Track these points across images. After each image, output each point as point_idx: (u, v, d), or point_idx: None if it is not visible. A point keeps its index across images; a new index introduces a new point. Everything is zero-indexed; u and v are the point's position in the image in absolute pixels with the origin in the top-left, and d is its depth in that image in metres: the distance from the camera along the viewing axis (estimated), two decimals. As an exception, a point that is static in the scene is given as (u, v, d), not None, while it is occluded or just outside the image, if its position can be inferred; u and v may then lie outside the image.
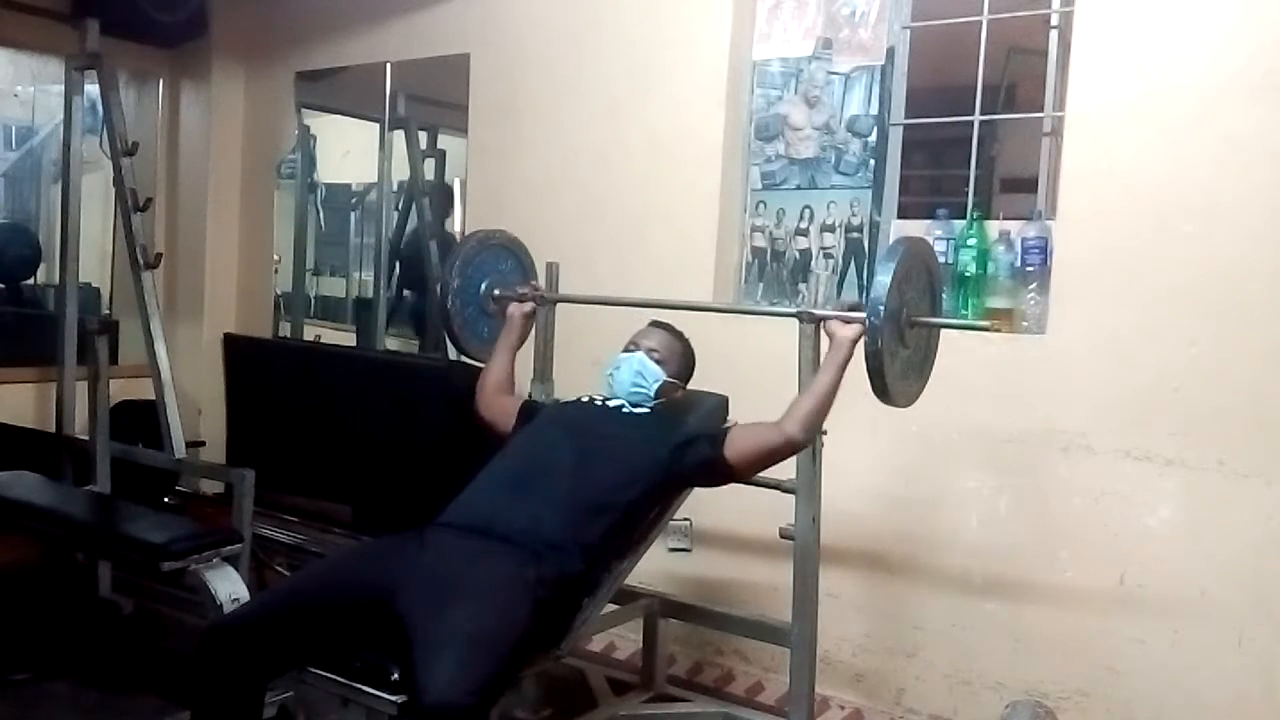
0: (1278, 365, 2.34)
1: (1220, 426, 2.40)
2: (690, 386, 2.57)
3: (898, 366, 2.18)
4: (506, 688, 1.93)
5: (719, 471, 2.27)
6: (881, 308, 2.08)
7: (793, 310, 2.39)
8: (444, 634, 1.79)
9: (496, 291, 2.74)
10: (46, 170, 5.16)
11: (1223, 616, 2.40)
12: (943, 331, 2.35)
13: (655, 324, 2.56)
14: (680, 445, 2.29)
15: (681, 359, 2.52)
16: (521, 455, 2.34)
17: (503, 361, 2.65)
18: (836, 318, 2.24)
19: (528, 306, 2.69)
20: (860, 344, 2.14)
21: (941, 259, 2.83)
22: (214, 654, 1.94)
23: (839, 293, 3.08)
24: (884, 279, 2.10)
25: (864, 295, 3.00)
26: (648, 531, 2.41)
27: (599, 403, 2.47)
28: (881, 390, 2.15)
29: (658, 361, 2.47)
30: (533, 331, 2.78)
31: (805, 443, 2.22)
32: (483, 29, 3.63)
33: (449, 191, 4.07)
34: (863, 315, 2.14)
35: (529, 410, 2.52)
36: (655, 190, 3.24)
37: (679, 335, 2.55)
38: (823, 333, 2.28)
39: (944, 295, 2.45)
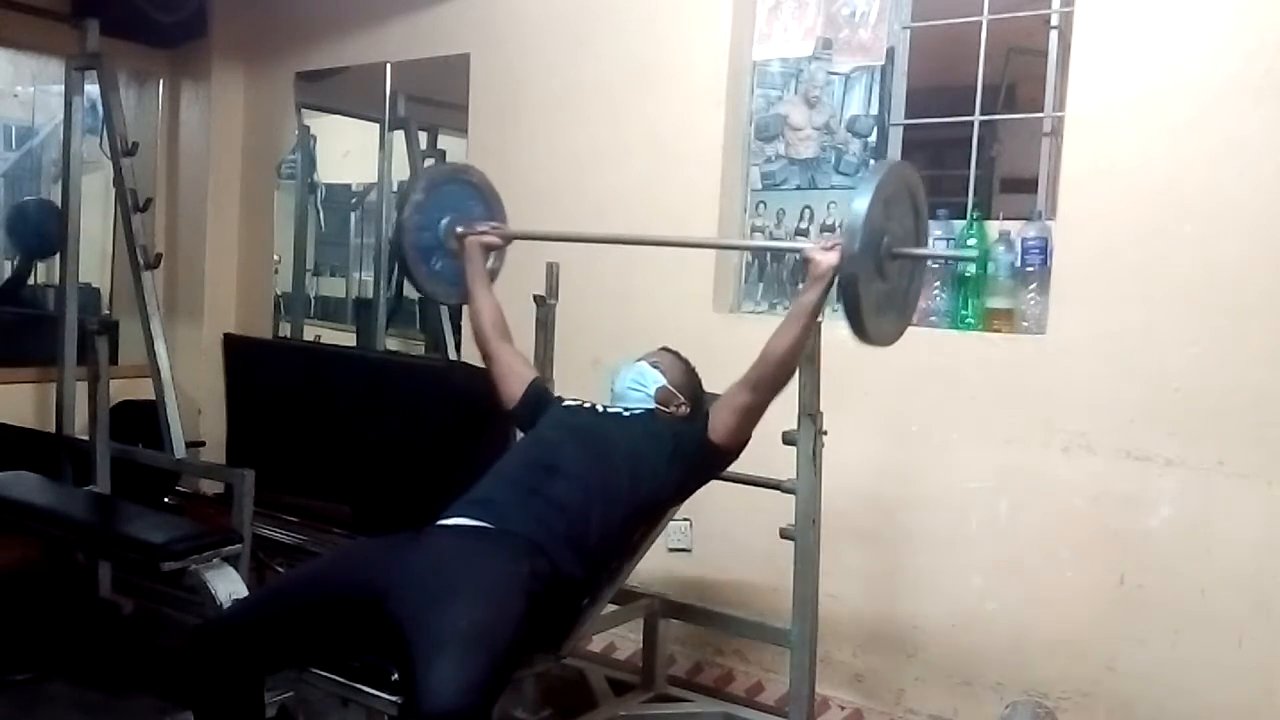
0: (1278, 365, 2.34)
1: (1220, 426, 2.40)
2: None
3: (873, 299, 2.05)
4: (506, 684, 1.92)
5: (717, 458, 2.30)
6: (860, 228, 1.92)
7: (796, 245, 2.29)
8: (438, 635, 1.77)
9: (459, 229, 2.63)
10: (46, 170, 5.15)
11: (1223, 617, 2.40)
12: (943, 332, 2.35)
13: (664, 349, 2.58)
14: (676, 449, 2.30)
15: (684, 375, 2.52)
16: (527, 457, 2.34)
17: (482, 297, 2.58)
18: (816, 246, 2.13)
19: (486, 238, 2.62)
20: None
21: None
22: (204, 653, 1.94)
23: (839, 294, 3.07)
24: (863, 200, 1.94)
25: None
26: (648, 532, 2.41)
27: (600, 409, 2.47)
28: (857, 326, 2.04)
29: (658, 370, 2.49)
30: (533, 332, 2.78)
31: (769, 397, 2.20)
32: (483, 29, 3.63)
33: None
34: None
35: (537, 398, 2.51)
36: (655, 190, 3.23)
37: (684, 360, 2.56)
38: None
39: (929, 228, 2.30)
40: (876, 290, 2.07)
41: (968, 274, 2.80)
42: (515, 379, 2.52)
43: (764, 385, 2.20)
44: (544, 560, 2.05)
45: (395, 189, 4.10)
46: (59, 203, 3.80)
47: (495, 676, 1.77)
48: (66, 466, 3.41)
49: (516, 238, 2.70)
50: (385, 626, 1.88)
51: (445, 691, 1.67)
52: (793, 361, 2.20)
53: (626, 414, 2.42)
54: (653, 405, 2.45)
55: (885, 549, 2.85)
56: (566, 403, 2.50)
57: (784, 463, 2.37)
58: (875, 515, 2.86)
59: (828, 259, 2.10)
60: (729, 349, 2.77)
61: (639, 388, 2.46)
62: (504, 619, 1.87)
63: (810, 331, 2.18)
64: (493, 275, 2.69)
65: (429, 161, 4.10)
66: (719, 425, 2.27)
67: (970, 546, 2.73)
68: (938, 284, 2.85)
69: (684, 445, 2.30)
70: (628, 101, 3.30)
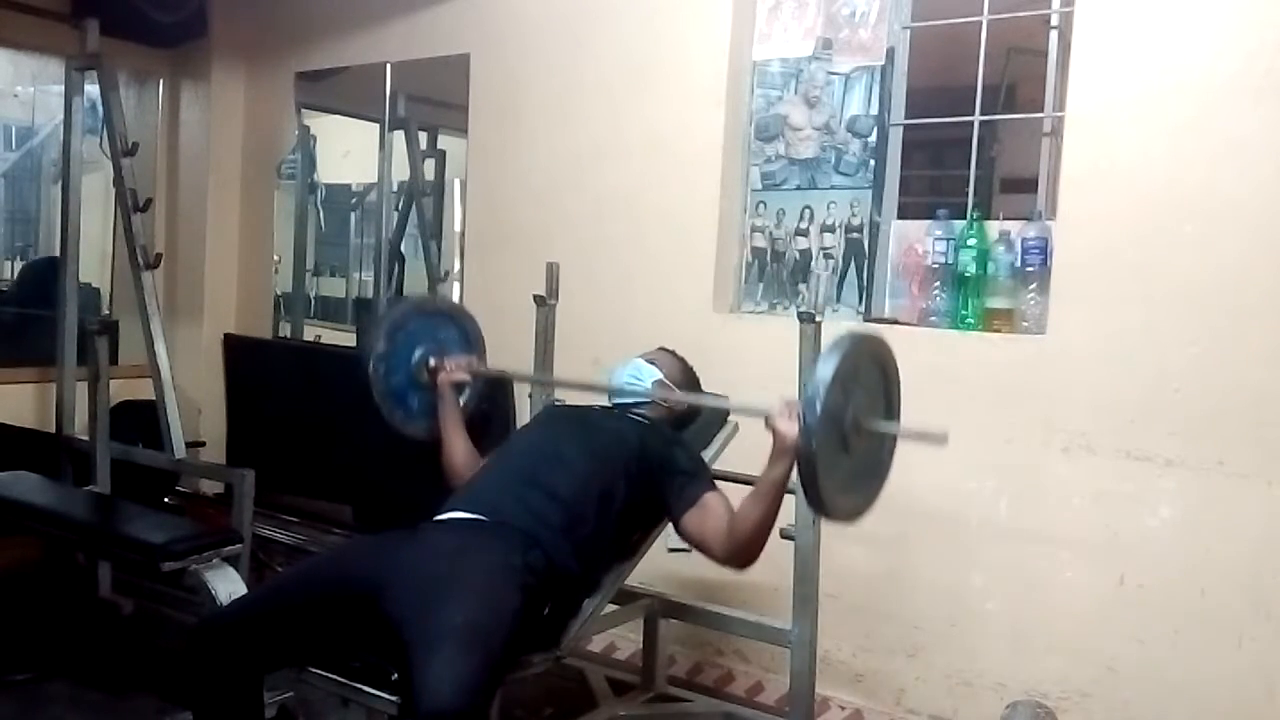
0: (1278, 365, 2.34)
1: (1220, 426, 2.40)
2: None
3: (839, 477, 1.88)
4: (502, 681, 1.91)
5: (670, 519, 2.26)
6: (819, 403, 1.77)
7: (762, 408, 2.01)
8: (433, 633, 1.77)
9: (431, 362, 2.55)
10: (46, 170, 5.16)
11: (1223, 617, 2.40)
12: (943, 332, 2.34)
13: (660, 348, 2.58)
14: (668, 470, 2.27)
15: (680, 372, 2.53)
16: (524, 450, 2.34)
17: (457, 442, 2.52)
18: (780, 411, 1.96)
19: (456, 376, 2.55)
20: None
21: (941, 259, 2.84)
22: (200, 651, 1.94)
23: (839, 293, 3.08)
24: (826, 370, 1.81)
25: (863, 300, 3.00)
26: (648, 531, 2.41)
27: (598, 408, 2.49)
28: (815, 501, 1.87)
29: (654, 366, 2.50)
30: (534, 332, 2.78)
31: (732, 562, 2.12)
32: (483, 29, 3.63)
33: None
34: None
35: None
36: (655, 190, 3.24)
37: (681, 358, 2.56)
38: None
39: (899, 402, 2.07)
40: (843, 467, 1.90)
41: (967, 273, 2.80)
42: None
43: (731, 548, 2.11)
44: (539, 553, 2.05)
45: (395, 189, 4.10)
46: (59, 202, 3.80)
47: (491, 674, 1.77)
48: (66, 466, 3.42)
49: (487, 374, 2.63)
50: (380, 623, 1.88)
51: (442, 691, 1.66)
52: (760, 540, 2.06)
53: (627, 414, 2.44)
54: (649, 400, 2.45)
55: (885, 549, 2.85)
56: (562, 403, 2.51)
57: (784, 463, 2.36)
58: (875, 515, 2.84)
59: (791, 432, 1.92)
60: (729, 349, 2.79)
61: (635, 381, 2.48)
62: (498, 615, 1.86)
63: (778, 508, 2.05)
64: (466, 411, 2.60)
65: (429, 161, 4.10)
66: (690, 523, 2.19)
67: (970, 546, 2.73)
68: (938, 284, 2.85)
69: (675, 487, 2.24)
70: (627, 101, 3.30)
